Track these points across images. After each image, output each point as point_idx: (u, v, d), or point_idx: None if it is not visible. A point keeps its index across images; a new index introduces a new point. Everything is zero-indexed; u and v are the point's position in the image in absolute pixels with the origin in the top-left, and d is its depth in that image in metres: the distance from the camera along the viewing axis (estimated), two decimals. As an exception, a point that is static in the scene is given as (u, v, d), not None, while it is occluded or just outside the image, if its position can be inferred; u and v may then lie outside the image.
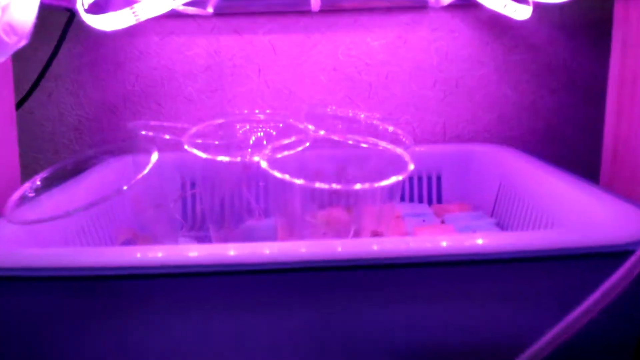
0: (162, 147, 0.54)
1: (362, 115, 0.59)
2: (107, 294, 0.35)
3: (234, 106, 0.69)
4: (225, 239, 0.54)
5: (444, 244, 0.35)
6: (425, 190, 0.66)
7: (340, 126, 0.57)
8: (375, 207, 0.42)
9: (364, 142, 0.46)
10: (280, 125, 0.58)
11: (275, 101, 0.70)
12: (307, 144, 0.45)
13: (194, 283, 0.35)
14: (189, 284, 0.35)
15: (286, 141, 0.43)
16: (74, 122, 0.70)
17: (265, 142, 0.58)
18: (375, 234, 0.39)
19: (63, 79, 0.69)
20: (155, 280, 0.35)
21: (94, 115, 0.70)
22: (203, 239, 0.57)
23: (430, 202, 0.66)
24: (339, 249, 0.34)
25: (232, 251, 0.34)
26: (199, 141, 0.52)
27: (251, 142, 0.59)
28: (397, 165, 0.52)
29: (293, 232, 0.48)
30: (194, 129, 0.46)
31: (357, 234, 0.45)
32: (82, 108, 0.70)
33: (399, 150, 0.41)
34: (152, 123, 0.56)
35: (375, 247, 0.34)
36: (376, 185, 0.36)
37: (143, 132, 0.53)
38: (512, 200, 0.57)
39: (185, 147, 0.44)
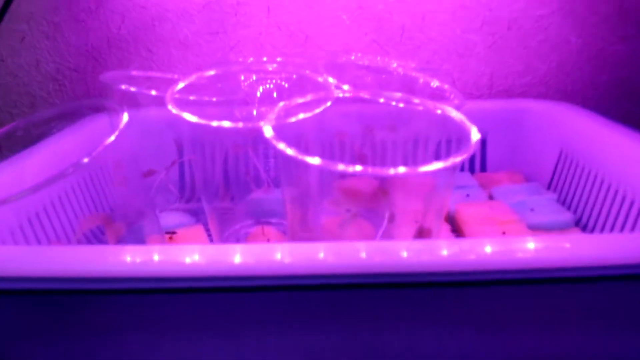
0: (151, 102, 0.44)
1: (394, 64, 0.48)
2: (65, 310, 0.26)
3: (237, 53, 0.57)
4: (223, 214, 0.45)
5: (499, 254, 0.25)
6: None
7: (369, 78, 0.46)
8: (420, 186, 0.31)
9: (405, 102, 0.35)
10: (294, 76, 0.47)
11: (287, 47, 0.58)
12: (329, 104, 0.34)
13: (183, 299, 0.26)
14: (176, 300, 0.26)
15: (300, 100, 0.33)
16: (52, 71, 0.60)
17: (275, 95, 0.48)
18: (421, 232, 0.29)
19: (37, 20, 0.58)
20: (123, 296, 0.25)
21: (74, 63, 0.59)
22: (199, 213, 0.48)
23: (472, 170, 0.55)
24: (363, 254, 0.25)
25: (237, 257, 0.24)
26: (193, 97, 0.42)
27: (258, 95, 0.48)
28: (442, 128, 0.41)
29: (306, 211, 0.38)
30: (180, 84, 0.36)
31: (392, 220, 0.35)
32: (60, 55, 0.59)
33: (455, 114, 0.31)
34: (135, 73, 0.45)
35: (404, 254, 0.25)
36: (421, 169, 0.26)
37: (123, 87, 0.42)
38: (578, 171, 0.47)
39: (169, 107, 0.34)
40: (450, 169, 0.26)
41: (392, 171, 0.26)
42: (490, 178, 0.52)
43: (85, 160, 0.30)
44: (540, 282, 0.26)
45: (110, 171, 0.41)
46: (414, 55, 0.58)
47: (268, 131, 0.28)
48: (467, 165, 0.55)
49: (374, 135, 0.46)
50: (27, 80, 0.60)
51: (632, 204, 0.38)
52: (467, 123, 0.30)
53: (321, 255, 0.25)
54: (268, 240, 0.41)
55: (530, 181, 0.52)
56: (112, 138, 0.30)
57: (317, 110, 0.33)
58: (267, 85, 0.48)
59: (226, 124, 0.32)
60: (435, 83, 0.40)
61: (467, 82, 0.59)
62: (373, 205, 0.37)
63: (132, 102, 0.44)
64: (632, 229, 0.37)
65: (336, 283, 0.25)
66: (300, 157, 0.26)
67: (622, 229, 0.39)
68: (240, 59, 0.55)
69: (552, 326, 0.27)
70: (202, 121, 0.32)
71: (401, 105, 0.38)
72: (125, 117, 0.31)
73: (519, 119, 0.55)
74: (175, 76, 0.45)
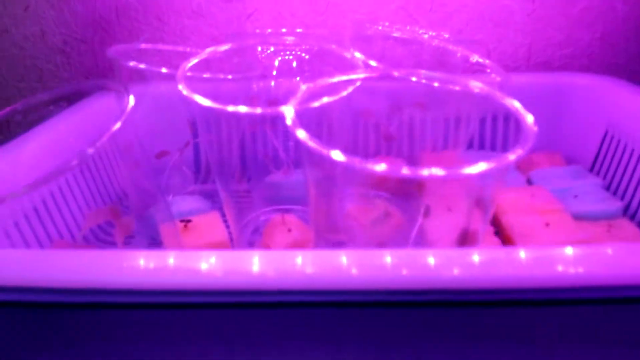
0: (162, 77, 0.41)
1: (426, 35, 0.44)
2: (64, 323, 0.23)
3: (254, 22, 0.53)
4: (240, 199, 0.42)
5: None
6: (500, 135, 0.52)
7: (399, 50, 0.42)
8: (462, 181, 0.28)
9: (441, 81, 0.31)
10: (316, 48, 0.43)
11: (308, 16, 0.54)
12: (358, 84, 0.30)
13: (192, 313, 0.23)
14: (184, 315, 0.23)
15: (328, 80, 0.29)
16: (59, 43, 0.56)
17: (295, 65, 0.44)
18: (466, 236, 0.25)
19: (41, -14, 0.54)
20: (125, 310, 0.22)
21: (82, 34, 0.56)
22: (215, 196, 0.45)
23: (507, 151, 0.51)
24: (387, 259, 0.22)
25: (255, 265, 0.21)
26: (207, 75, 0.39)
27: (276, 65, 0.44)
28: (480, 108, 0.37)
29: (332, 200, 0.34)
30: (193, 60, 0.32)
31: (427, 214, 0.32)
32: (67, 25, 0.55)
33: (508, 102, 0.27)
34: (144, 46, 0.41)
35: (431, 261, 0.22)
36: (465, 171, 0.22)
37: (132, 63, 0.39)
38: (626, 153, 0.42)
39: (181, 87, 0.30)
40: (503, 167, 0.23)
41: (426, 172, 0.22)
42: (529, 160, 0.48)
43: (90, 151, 0.27)
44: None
45: (118, 155, 0.39)
46: (445, 24, 0.53)
47: (289, 118, 0.25)
48: (501, 146, 0.51)
49: (402, 114, 0.42)
50: (32, 53, 0.57)
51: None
52: (519, 108, 0.26)
53: (344, 262, 0.22)
54: (289, 230, 0.38)
55: (570, 163, 0.48)
56: (118, 125, 0.27)
57: (344, 93, 0.29)
58: (287, 57, 0.45)
59: (242, 109, 0.29)
60: (474, 57, 0.36)
61: (503, 53, 0.54)
62: (405, 195, 0.33)
63: (141, 79, 0.40)
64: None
65: (366, 300, 0.22)
66: (324, 151, 0.22)
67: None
68: (257, 30, 0.51)
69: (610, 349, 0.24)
70: (217, 106, 0.29)
71: (436, 84, 0.34)
72: (131, 100, 0.28)
73: (559, 95, 0.50)
74: (188, 49, 0.42)
